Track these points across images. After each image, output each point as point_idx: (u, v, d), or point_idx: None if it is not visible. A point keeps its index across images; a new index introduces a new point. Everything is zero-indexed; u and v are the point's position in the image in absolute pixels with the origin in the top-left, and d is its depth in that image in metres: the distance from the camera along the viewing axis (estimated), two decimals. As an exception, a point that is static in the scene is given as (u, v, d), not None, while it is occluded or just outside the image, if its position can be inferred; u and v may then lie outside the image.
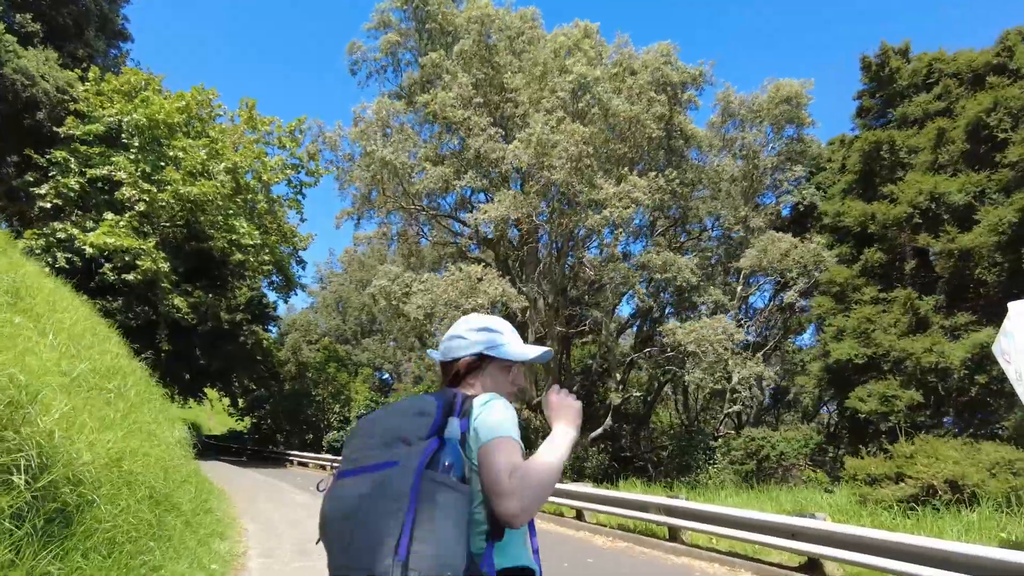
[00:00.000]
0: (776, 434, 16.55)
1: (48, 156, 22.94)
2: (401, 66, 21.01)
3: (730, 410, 20.31)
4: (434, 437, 1.27)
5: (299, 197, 32.22)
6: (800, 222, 20.03)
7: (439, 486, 1.20)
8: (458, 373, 1.53)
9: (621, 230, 15.79)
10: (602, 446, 20.60)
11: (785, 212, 21.20)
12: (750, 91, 21.71)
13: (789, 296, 16.60)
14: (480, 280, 14.88)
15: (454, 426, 1.30)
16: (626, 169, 16.52)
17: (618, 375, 20.88)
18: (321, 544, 1.29)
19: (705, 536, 8.80)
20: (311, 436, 34.49)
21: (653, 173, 16.83)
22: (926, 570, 5.36)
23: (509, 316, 19.71)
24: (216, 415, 56.83)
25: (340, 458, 1.39)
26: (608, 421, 21.19)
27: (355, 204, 23.71)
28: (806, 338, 24.43)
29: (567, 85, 16.66)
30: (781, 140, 20.75)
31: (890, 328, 12.31)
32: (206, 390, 37.85)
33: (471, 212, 16.87)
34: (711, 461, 20.15)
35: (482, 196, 22.69)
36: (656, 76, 18.53)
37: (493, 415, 1.34)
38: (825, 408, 21.56)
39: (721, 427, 21.32)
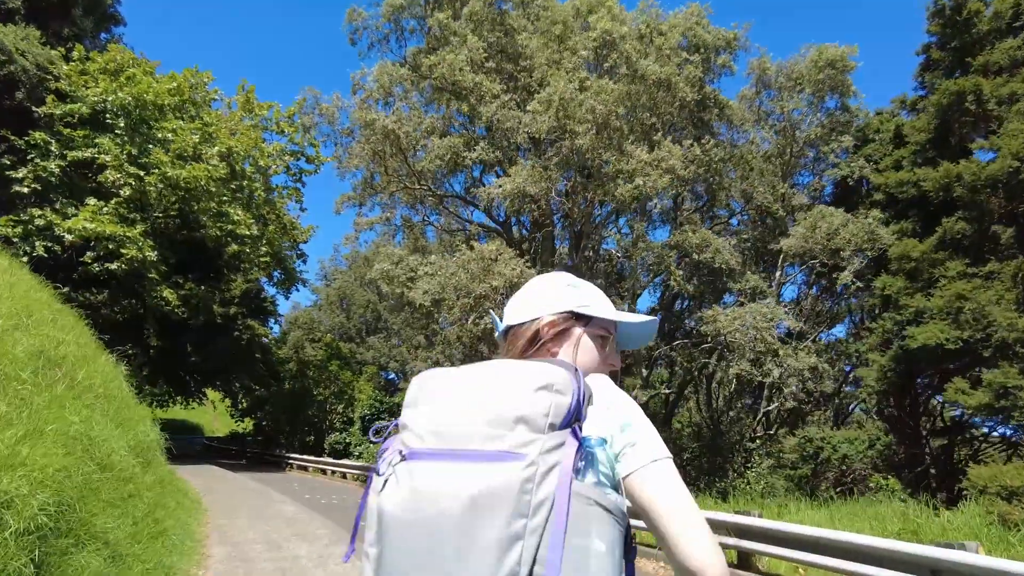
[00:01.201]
0: (836, 434, 14.62)
1: (27, 138, 21.27)
2: (405, 34, 19.19)
3: (769, 408, 18.41)
4: (570, 429, 0.84)
5: (299, 185, 30.60)
6: (846, 198, 18.10)
7: (594, 510, 0.83)
8: (536, 338, 1.09)
9: (656, 201, 13.80)
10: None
11: (828, 189, 19.29)
12: (787, 57, 19.81)
13: (843, 277, 14.64)
14: (494, 260, 13.04)
15: (605, 422, 0.92)
16: (660, 135, 14.64)
17: (643, 370, 18.99)
18: (368, 555, 0.90)
19: (788, 564, 6.94)
20: (312, 438, 32.81)
21: (688, 142, 14.95)
22: None
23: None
24: (219, 416, 55.41)
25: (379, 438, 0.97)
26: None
27: (355, 189, 22.05)
28: (837, 329, 22.51)
29: (590, 43, 14.84)
30: (822, 110, 18.82)
31: (992, 306, 10.39)
32: (207, 390, 36.36)
33: (482, 188, 15.00)
34: (748, 464, 18.31)
35: (492, 179, 20.91)
36: (688, 37, 16.67)
37: (644, 420, 0.96)
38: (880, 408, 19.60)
39: (758, 426, 19.41)
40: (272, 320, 32.78)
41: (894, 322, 13.13)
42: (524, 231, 19.27)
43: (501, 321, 1.19)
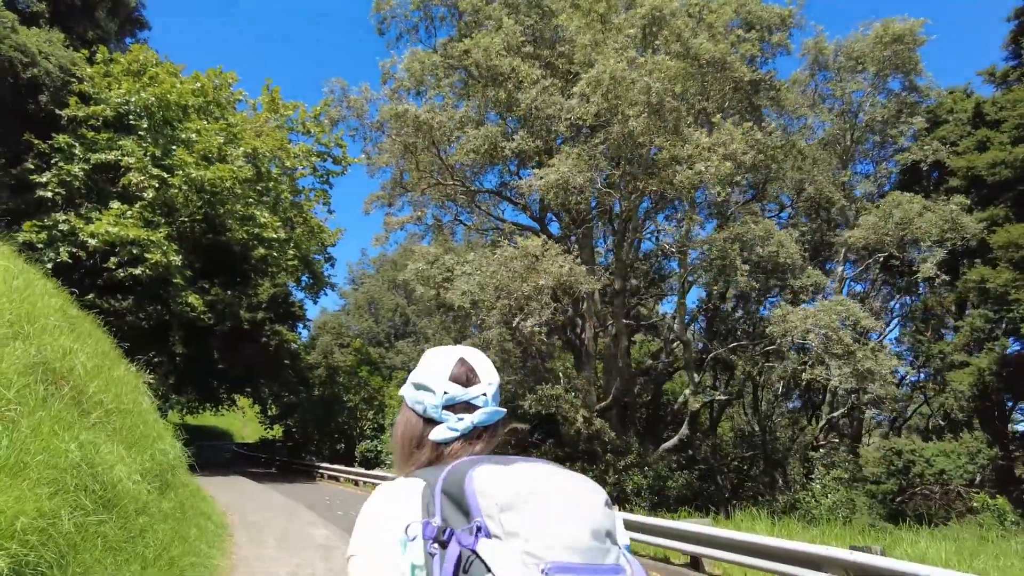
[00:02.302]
0: (929, 446, 13.13)
1: (50, 142, 20.75)
2: (435, 22, 18.17)
3: (832, 414, 16.96)
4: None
5: (326, 187, 29.85)
6: (913, 185, 16.61)
7: None
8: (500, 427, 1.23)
9: (709, 192, 12.44)
10: (675, 460, 17.41)
11: (894, 177, 17.78)
12: (845, 35, 18.36)
13: (925, 270, 13.16)
14: (538, 258, 11.90)
15: (622, 528, 1.07)
16: (719, 116, 13.35)
17: (695, 374, 17.68)
18: None
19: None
20: (343, 445, 31.98)
21: (748, 124, 13.64)
22: None
23: (570, 304, 16.74)
24: (248, 422, 55.17)
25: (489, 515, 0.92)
26: (685, 430, 18.04)
27: (385, 188, 21.22)
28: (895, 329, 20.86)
29: (637, 21, 13.63)
30: (886, 91, 17.33)
31: None
32: (237, 397, 35.87)
33: (522, 180, 13.85)
34: (809, 475, 16.94)
35: (528, 174, 19.81)
36: (740, 14, 15.38)
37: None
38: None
39: (821, 435, 17.96)
40: (300, 325, 32.07)
41: (986, 319, 11.70)
42: (561, 228, 18.08)
43: (495, 412, 1.19)
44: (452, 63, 15.88)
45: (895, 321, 18.03)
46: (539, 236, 13.25)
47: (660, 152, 13.06)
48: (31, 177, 20.47)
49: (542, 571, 0.88)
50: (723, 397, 19.19)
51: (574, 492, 0.98)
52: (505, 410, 1.20)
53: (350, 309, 52.71)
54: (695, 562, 8.77)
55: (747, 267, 13.30)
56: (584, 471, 14.68)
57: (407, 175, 19.68)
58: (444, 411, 1.14)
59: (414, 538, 0.93)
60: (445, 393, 1.15)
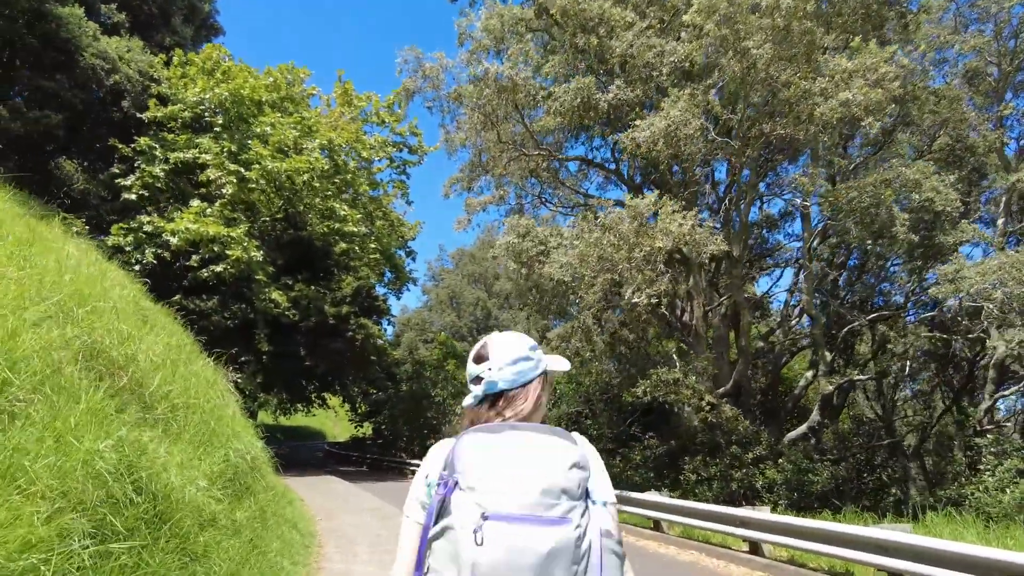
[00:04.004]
0: None
1: (133, 145, 20.77)
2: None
3: (1003, 393, 14.28)
4: (588, 495, 1.26)
5: (403, 177, 29.08)
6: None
7: (612, 556, 1.22)
8: (536, 399, 1.42)
9: (873, 121, 10.09)
10: (802, 450, 15.12)
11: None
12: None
13: None
14: (644, 225, 10.13)
15: (603, 488, 1.30)
16: (858, 39, 11.10)
17: (826, 352, 15.37)
18: None
19: None
20: (432, 441, 31.13)
21: (893, 48, 11.33)
22: None
23: (685, 270, 14.84)
24: (339, 422, 55.91)
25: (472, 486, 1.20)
26: (816, 416, 15.77)
27: (463, 170, 19.97)
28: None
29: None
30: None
31: None
32: (327, 396, 35.87)
33: (622, 135, 12.05)
34: (977, 466, 14.38)
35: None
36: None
37: (603, 470, 1.36)
38: None
39: (984, 418, 15.25)
40: (385, 321, 31.48)
41: None
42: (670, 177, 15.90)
43: (505, 384, 1.40)
44: (534, 17, 14.28)
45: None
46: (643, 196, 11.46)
47: (786, 89, 10.97)
48: (116, 181, 20.55)
49: (482, 516, 1.14)
50: (862, 377, 16.68)
51: (534, 455, 1.22)
52: (499, 383, 1.39)
53: (432, 305, 52.37)
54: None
55: (906, 216, 10.97)
56: (705, 466, 12.72)
57: (485, 156, 18.37)
58: (471, 384, 1.45)
59: (430, 484, 1.29)
60: (468, 372, 1.47)
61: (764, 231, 21.35)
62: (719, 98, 11.66)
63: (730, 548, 9.15)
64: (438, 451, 1.35)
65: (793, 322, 19.39)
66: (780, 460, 13.17)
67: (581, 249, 10.84)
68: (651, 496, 10.52)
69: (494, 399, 1.39)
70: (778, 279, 26.17)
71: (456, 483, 1.20)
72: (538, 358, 1.44)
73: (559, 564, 1.13)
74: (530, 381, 1.41)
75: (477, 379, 1.41)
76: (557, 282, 11.16)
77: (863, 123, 10.01)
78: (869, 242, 12.58)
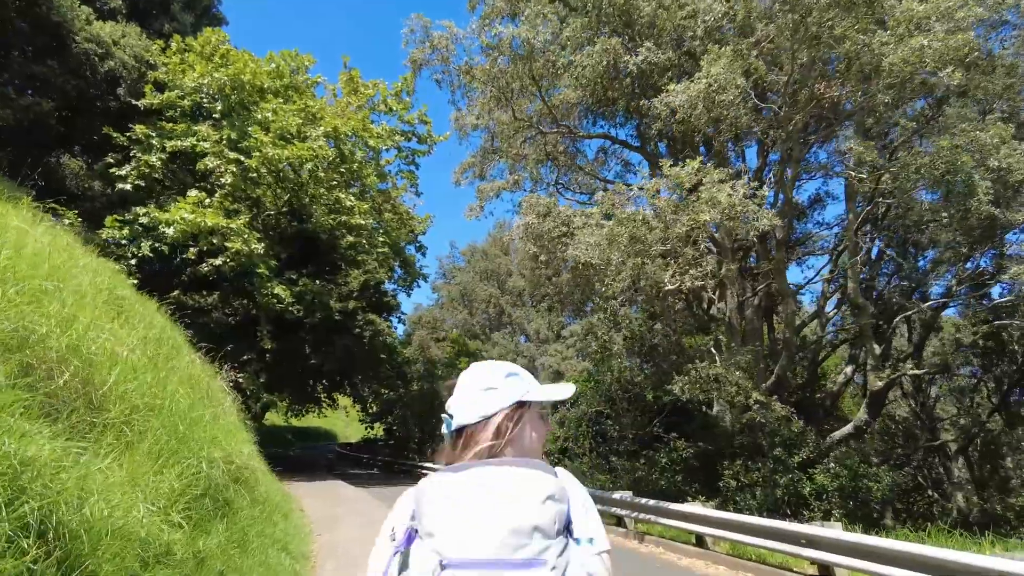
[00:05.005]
0: None
1: (128, 134, 19.76)
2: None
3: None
4: (567, 532, 1.13)
5: (412, 168, 27.91)
6: None
7: None
8: (499, 433, 1.27)
9: (951, 68, 8.64)
10: (857, 451, 13.76)
11: None
12: None
13: None
14: (691, 191, 8.85)
15: (587, 525, 1.16)
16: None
17: (875, 345, 14.00)
18: None
19: None
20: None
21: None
22: None
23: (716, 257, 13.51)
24: (351, 423, 54.95)
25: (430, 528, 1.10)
26: (862, 415, 14.39)
27: (475, 156, 18.83)
28: None
29: None
30: None
31: None
32: (337, 396, 34.89)
33: (654, 99, 10.74)
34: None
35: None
36: None
37: (590, 508, 1.20)
38: None
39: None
40: (395, 318, 30.35)
41: None
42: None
43: (467, 419, 1.29)
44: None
45: None
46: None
47: (839, 45, 9.62)
48: (111, 171, 19.53)
49: (440, 564, 1.03)
50: (917, 372, 15.24)
51: (501, 491, 1.09)
52: (454, 419, 1.30)
53: (444, 303, 51.38)
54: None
55: (988, 184, 9.55)
56: (747, 471, 11.42)
57: (498, 142, 17.18)
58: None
59: (395, 540, 1.16)
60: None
61: (793, 220, 20.04)
62: (765, 58, 10.32)
63: (791, 570, 7.86)
64: (404, 501, 1.23)
65: (831, 313, 18.03)
66: (831, 464, 11.83)
67: (611, 229, 9.57)
68: (693, 508, 9.24)
69: (457, 436, 1.30)
70: (814, 269, 24.75)
71: (416, 531, 1.11)
72: (509, 387, 1.31)
73: None
74: (494, 414, 1.28)
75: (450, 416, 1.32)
76: (584, 265, 9.89)
77: (941, 74, 8.69)
78: (944, 215, 11.06)
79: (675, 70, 11.90)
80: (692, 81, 9.89)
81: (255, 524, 7.13)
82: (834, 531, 7.16)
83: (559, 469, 1.22)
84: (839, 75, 9.71)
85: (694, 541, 9.46)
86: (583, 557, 1.09)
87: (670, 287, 10.21)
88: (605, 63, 11.15)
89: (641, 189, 9.53)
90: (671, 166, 9.07)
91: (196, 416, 6.79)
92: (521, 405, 1.30)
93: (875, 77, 9.15)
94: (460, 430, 1.28)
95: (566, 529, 1.11)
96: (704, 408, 16.51)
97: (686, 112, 9.94)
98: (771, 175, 12.57)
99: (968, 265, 14.61)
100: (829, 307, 18.33)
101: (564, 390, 1.38)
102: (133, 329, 7.89)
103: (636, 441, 18.27)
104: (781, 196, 12.28)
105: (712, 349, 11.89)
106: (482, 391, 1.30)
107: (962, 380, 21.52)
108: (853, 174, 11.32)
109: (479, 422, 1.27)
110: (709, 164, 9.36)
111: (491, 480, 1.11)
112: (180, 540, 4.66)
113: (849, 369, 18.27)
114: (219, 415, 8.91)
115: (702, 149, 15.12)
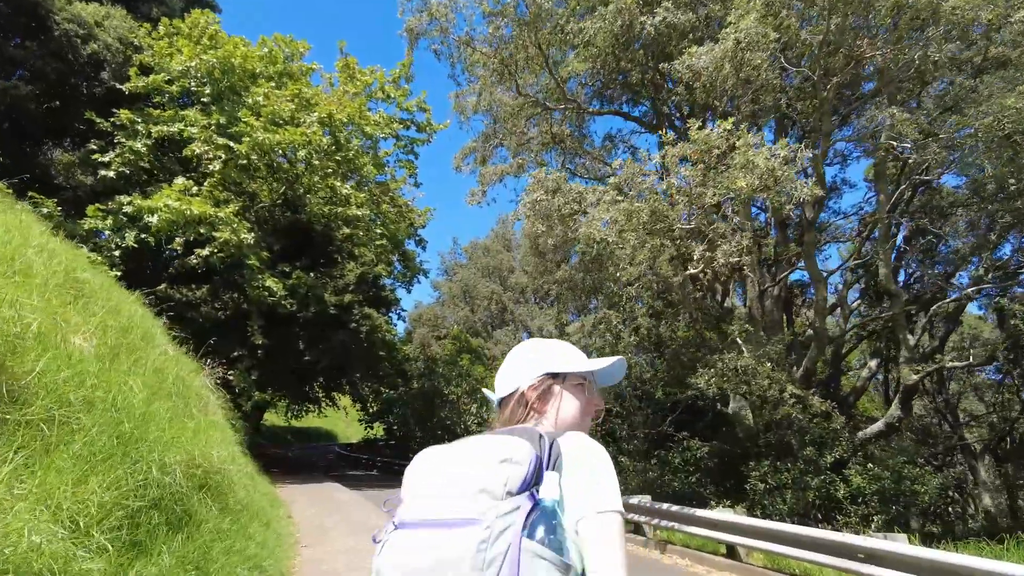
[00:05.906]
0: None
1: (112, 119, 18.75)
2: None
3: None
4: (527, 493, 1.00)
5: (411, 157, 26.89)
6: None
7: (540, 562, 0.94)
8: (524, 403, 1.26)
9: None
10: (897, 449, 12.71)
11: None
12: None
13: None
14: (726, 154, 7.83)
15: (553, 483, 1.03)
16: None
17: (909, 336, 12.97)
18: None
19: None
20: (447, 440, 29.06)
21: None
22: None
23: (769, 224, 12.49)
24: (351, 424, 54.02)
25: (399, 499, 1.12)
26: (895, 411, 13.37)
27: (477, 141, 17.92)
28: None
29: None
30: None
31: None
32: (336, 396, 33.92)
33: (676, 61, 9.72)
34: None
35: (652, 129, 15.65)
36: None
37: (596, 471, 1.08)
38: None
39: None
40: (394, 314, 29.34)
41: None
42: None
43: (500, 391, 1.32)
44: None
45: None
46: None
47: (883, -1, 8.60)
48: (94, 157, 18.52)
49: (394, 524, 1.05)
50: (958, 364, 14.18)
51: (462, 460, 1.07)
52: (492, 393, 1.34)
53: (445, 300, 50.47)
54: None
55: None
56: (776, 471, 10.43)
57: (501, 127, 16.22)
58: None
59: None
60: None
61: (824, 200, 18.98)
62: (799, 13, 9.30)
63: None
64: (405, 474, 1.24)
65: (854, 302, 17.02)
66: (870, 465, 10.79)
67: (629, 203, 8.55)
68: (724, 515, 8.22)
69: (499, 408, 1.34)
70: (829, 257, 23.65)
71: (401, 501, 1.12)
72: (541, 358, 1.29)
73: (453, 570, 0.93)
74: (522, 386, 1.28)
75: None
76: (598, 243, 8.87)
77: (1011, 20, 7.67)
78: (1012, 182, 9.95)
79: (694, 34, 10.87)
80: (719, 40, 8.87)
81: (223, 539, 6.11)
82: (898, 544, 6.15)
83: (574, 435, 1.12)
84: (885, 29, 8.67)
85: (724, 551, 8.46)
86: (578, 516, 1.02)
87: (693, 271, 9.20)
88: (620, 24, 10.12)
89: (663, 157, 8.51)
90: (699, 128, 8.04)
91: (149, 412, 5.77)
92: (554, 376, 1.27)
93: (934, 22, 8.11)
94: (500, 402, 1.31)
95: (526, 489, 0.99)
96: (718, 405, 15.54)
97: (710, 76, 8.91)
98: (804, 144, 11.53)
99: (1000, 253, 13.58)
100: (851, 298, 17.37)
101: (611, 361, 1.32)
102: (91, 315, 6.92)
103: (647, 440, 17.33)
104: (811, 172, 11.25)
105: (738, 340, 10.87)
106: (514, 365, 1.31)
107: (983, 378, 20.48)
108: (893, 145, 10.23)
109: (510, 394, 1.28)
110: (743, 126, 8.33)
111: (467, 448, 1.11)
112: (100, 570, 3.65)
113: (874, 363, 17.26)
114: (191, 413, 7.90)
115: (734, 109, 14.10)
